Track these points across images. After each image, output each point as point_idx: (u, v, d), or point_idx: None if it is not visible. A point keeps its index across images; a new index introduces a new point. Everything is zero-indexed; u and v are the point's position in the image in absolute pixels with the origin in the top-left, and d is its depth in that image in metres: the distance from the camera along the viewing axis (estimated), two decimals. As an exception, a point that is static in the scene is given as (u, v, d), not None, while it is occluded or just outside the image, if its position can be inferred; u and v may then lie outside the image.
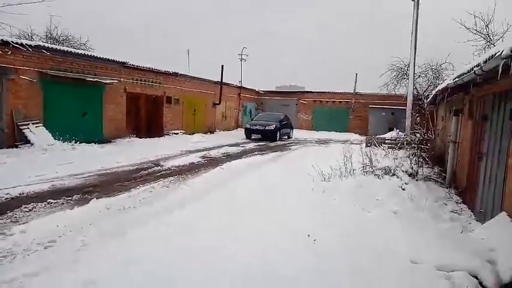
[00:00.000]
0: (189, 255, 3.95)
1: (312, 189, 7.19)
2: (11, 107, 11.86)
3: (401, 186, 7.03)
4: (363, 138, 20.22)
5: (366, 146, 11.98)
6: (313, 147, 18.36)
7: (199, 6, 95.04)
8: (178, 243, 4.29)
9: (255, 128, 21.94)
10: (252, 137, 21.95)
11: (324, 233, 4.72)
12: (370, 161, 8.24)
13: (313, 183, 7.57)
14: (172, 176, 9.15)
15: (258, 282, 3.49)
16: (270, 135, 21.41)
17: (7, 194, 6.64)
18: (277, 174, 9.29)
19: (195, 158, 12.33)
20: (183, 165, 10.88)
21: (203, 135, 21.87)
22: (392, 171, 7.72)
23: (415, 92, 18.68)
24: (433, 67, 23.16)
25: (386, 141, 12.98)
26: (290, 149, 17.43)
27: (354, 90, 30.79)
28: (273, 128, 21.46)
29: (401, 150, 9.48)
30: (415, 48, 13.55)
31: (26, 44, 11.80)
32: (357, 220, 5.47)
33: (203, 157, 12.92)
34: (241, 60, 33.27)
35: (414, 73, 14.39)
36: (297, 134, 26.67)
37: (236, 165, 10.88)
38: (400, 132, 17.16)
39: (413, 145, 8.95)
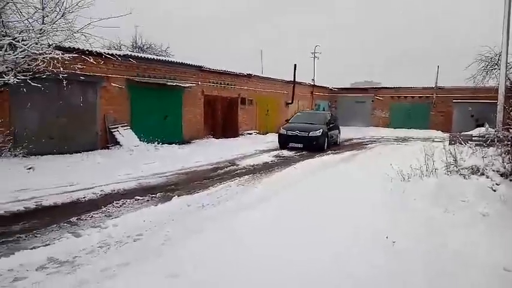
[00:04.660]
0: (263, 254, 4.02)
1: (390, 190, 6.89)
2: (103, 112, 13.12)
3: (491, 187, 6.42)
4: (446, 135, 18.84)
5: (450, 143, 11.15)
6: (391, 146, 17.55)
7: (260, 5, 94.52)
8: (253, 242, 4.39)
9: (293, 133, 15.42)
10: (290, 146, 15.39)
11: (403, 235, 4.50)
12: (455, 159, 7.65)
13: (392, 184, 7.24)
14: (247, 175, 9.40)
15: (331, 285, 3.45)
16: (315, 144, 14.97)
17: (101, 190, 7.37)
18: (352, 173, 9.05)
19: (268, 158, 12.53)
20: (257, 165, 11.12)
21: (276, 134, 22.06)
22: (480, 170, 7.09)
23: (507, 83, 16.89)
24: (530, 54, 20.76)
25: (473, 138, 11.95)
26: (366, 147, 16.88)
27: (436, 84, 28.72)
28: (319, 134, 15.14)
29: (491, 148, 8.66)
30: (508, 33, 12.22)
31: (116, 54, 12.91)
32: (440, 222, 5.13)
33: (276, 156, 13.08)
34: (314, 58, 32.82)
35: (507, 62, 13.04)
36: (373, 132, 25.86)
37: (309, 164, 10.84)
38: (490, 129, 15.66)
39: (506, 142, 8.13)
